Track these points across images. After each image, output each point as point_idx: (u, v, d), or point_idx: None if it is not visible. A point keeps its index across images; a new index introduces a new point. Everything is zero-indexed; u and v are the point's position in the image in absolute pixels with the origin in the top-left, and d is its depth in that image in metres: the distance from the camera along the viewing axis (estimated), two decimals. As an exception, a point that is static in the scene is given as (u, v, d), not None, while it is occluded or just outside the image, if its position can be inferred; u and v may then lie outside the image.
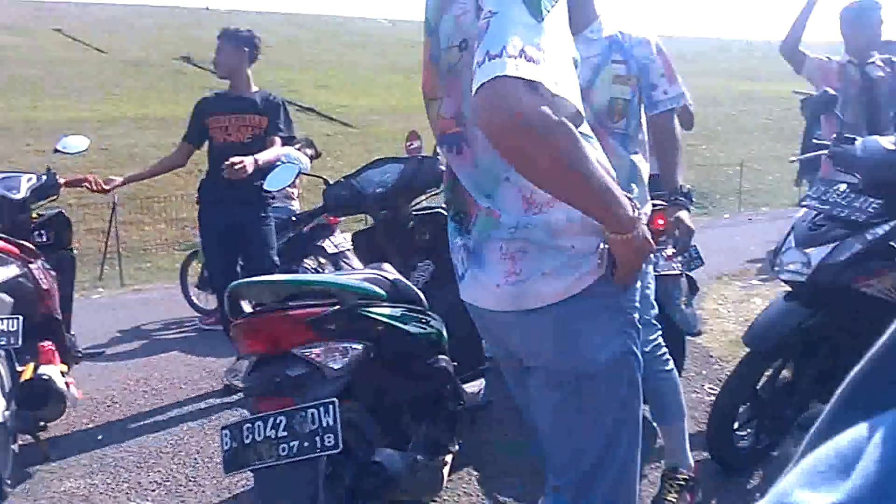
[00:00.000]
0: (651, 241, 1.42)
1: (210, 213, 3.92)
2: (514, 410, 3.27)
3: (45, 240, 3.60)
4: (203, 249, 4.33)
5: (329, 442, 1.73)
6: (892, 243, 2.45)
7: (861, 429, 0.28)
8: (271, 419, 1.77)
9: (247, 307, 2.01)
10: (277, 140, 3.82)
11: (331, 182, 3.29)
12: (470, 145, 1.41)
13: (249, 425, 1.77)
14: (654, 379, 2.53)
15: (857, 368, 0.32)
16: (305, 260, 5.23)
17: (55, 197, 3.85)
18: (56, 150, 3.90)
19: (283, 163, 3.73)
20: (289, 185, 3.91)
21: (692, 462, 2.54)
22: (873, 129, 3.46)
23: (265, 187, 3.49)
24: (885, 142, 2.60)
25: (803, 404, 2.64)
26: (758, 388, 2.62)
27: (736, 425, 2.63)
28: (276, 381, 1.80)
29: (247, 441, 1.76)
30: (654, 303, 2.49)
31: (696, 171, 20.46)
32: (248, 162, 3.43)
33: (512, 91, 1.11)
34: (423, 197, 3.04)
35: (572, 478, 1.48)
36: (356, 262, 3.81)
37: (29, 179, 3.64)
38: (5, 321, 2.85)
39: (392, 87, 21.26)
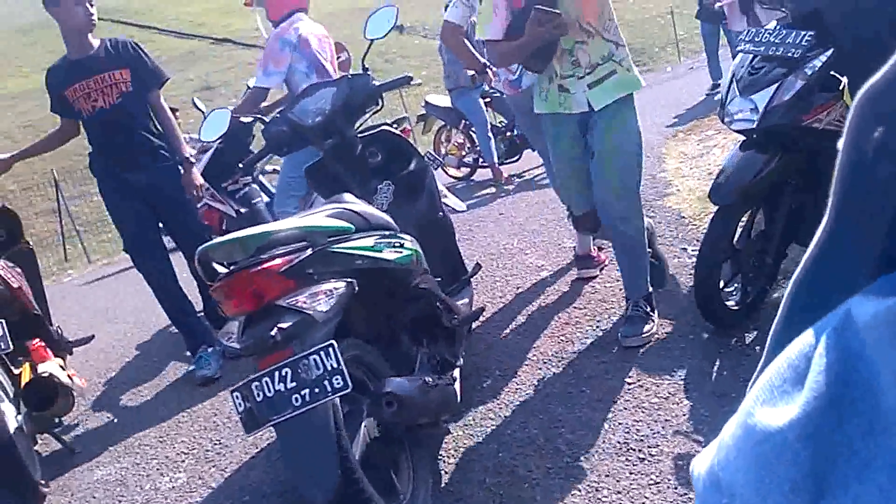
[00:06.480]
0: None
1: (117, 183, 3.56)
2: (503, 311, 3.33)
3: (-4, 240, 3.49)
4: (119, 224, 3.76)
5: (338, 383, 1.76)
6: (832, 73, 2.42)
7: (808, 336, 0.29)
8: (276, 373, 1.78)
9: (220, 269, 1.99)
10: (158, 94, 3.57)
11: (266, 120, 3.16)
12: None
13: (257, 383, 1.78)
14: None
15: (797, 272, 0.32)
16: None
17: None
18: None
19: (211, 111, 3.49)
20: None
21: (650, 287, 2.88)
22: None
23: (202, 138, 3.28)
24: None
25: (782, 249, 2.64)
26: (734, 242, 2.59)
27: (722, 284, 2.60)
28: (270, 335, 1.80)
29: (258, 399, 1.78)
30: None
31: (628, 28, 20.13)
32: (195, 177, 3.53)
33: None
34: (365, 117, 2.93)
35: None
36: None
37: None
38: None
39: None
